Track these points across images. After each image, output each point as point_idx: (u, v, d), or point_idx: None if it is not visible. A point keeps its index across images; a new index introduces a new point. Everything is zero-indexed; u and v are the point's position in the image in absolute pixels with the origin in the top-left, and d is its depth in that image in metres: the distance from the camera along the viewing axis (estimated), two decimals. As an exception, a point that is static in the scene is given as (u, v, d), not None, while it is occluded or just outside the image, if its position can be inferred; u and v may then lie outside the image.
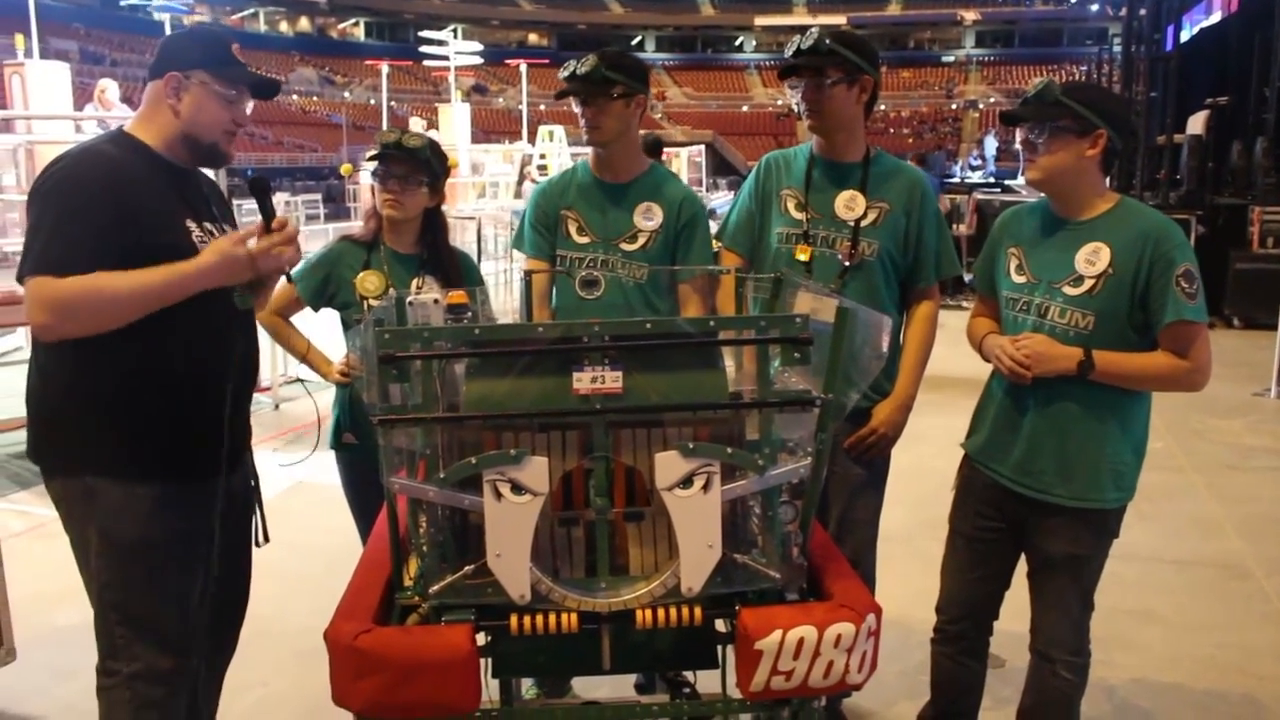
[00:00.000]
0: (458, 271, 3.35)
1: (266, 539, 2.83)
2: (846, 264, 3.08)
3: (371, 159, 3.23)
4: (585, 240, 3.26)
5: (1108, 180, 2.78)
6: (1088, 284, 2.68)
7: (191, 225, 2.52)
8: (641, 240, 3.23)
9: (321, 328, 3.49)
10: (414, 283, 3.24)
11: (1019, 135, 2.83)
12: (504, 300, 10.50)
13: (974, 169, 36.92)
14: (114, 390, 2.44)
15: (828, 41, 2.98)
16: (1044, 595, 2.85)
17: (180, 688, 2.56)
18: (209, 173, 2.96)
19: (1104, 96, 2.82)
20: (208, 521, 2.60)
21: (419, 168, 3.20)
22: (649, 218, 3.24)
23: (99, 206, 2.35)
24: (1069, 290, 2.70)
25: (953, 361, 3.46)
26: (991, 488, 2.89)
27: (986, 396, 2.97)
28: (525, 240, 3.38)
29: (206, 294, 2.50)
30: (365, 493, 3.33)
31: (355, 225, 3.48)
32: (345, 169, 5.03)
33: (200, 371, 2.54)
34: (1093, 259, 2.67)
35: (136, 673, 2.48)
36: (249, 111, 2.62)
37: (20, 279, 2.34)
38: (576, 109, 3.17)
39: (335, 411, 3.41)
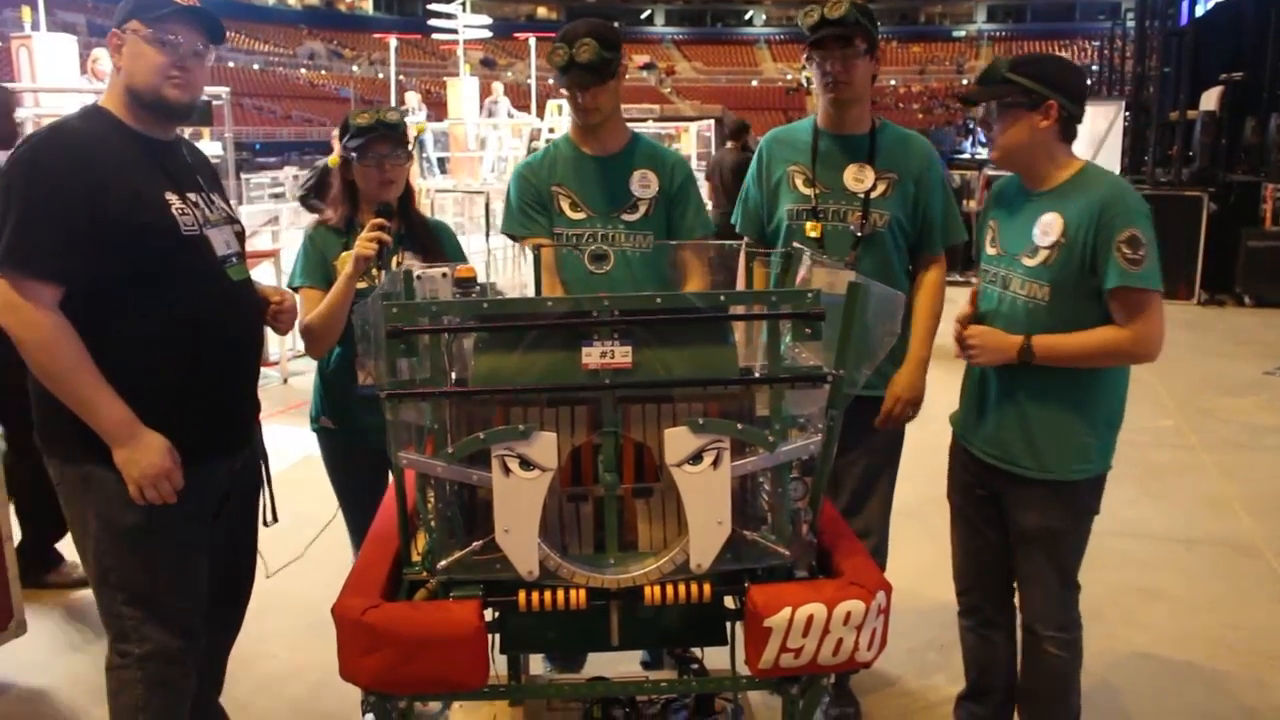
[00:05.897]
0: (435, 242, 3.26)
1: (275, 518, 2.82)
2: (859, 235, 3.07)
3: (355, 142, 3.09)
4: (580, 215, 3.18)
5: (1072, 147, 2.74)
6: (1042, 255, 2.67)
7: (172, 198, 2.43)
8: (642, 209, 3.19)
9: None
10: (394, 260, 3.08)
11: (979, 114, 2.79)
12: (513, 276, 10.47)
13: (984, 145, 36.71)
14: (108, 376, 2.33)
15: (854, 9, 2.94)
16: (1023, 570, 2.86)
17: (190, 666, 2.55)
18: (214, 147, 2.91)
19: (1052, 66, 2.76)
20: (210, 503, 2.57)
21: (400, 141, 3.15)
22: (646, 185, 3.19)
23: (66, 191, 2.26)
24: (1026, 261, 2.70)
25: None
26: (973, 460, 2.91)
27: (965, 373, 2.99)
28: (516, 223, 3.25)
29: (198, 269, 2.45)
30: (346, 475, 3.28)
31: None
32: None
33: (194, 352, 2.47)
34: (1048, 230, 2.66)
35: (148, 653, 2.47)
36: (203, 54, 2.48)
37: None
38: (565, 90, 3.10)
39: (314, 395, 3.30)
